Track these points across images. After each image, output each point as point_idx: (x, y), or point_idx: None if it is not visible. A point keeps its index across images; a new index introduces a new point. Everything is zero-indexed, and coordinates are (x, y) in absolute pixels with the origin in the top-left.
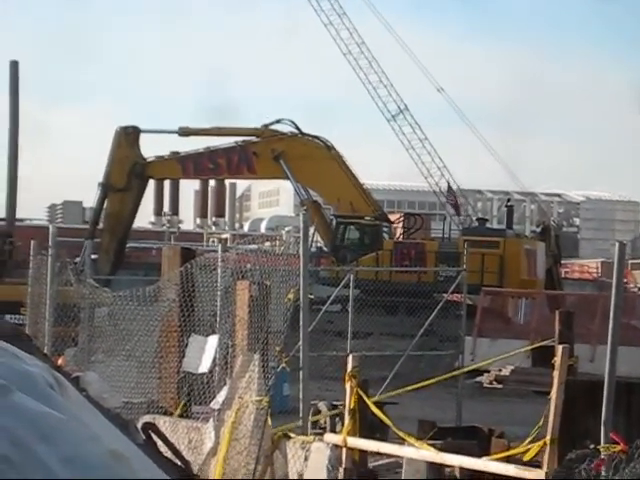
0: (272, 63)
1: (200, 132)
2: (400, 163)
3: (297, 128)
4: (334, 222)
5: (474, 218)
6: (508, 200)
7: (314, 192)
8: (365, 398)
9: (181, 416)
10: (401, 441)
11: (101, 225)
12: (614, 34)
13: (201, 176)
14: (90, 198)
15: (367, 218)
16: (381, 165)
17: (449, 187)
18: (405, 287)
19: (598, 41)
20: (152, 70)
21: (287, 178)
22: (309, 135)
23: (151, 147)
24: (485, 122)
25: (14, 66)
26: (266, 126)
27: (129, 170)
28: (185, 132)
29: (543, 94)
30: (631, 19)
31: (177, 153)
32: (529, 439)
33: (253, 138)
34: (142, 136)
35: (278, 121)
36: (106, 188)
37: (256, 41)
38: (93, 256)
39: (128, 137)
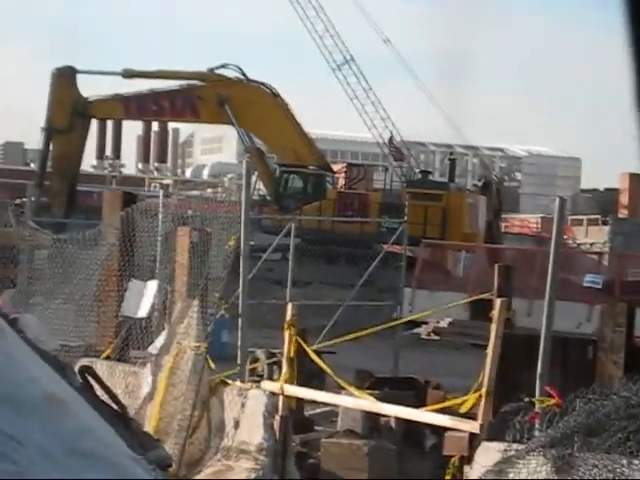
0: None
1: (144, 74)
2: (343, 113)
3: (243, 74)
4: (278, 171)
5: (417, 170)
6: (451, 153)
7: (258, 139)
8: (305, 346)
9: (118, 360)
10: (338, 390)
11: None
12: None
13: (144, 117)
14: (31, 140)
15: (311, 167)
16: (325, 115)
17: (391, 138)
18: (347, 237)
19: None
20: None
21: (231, 123)
22: (255, 81)
23: (94, 91)
24: (430, 74)
25: None
26: (211, 70)
27: (70, 110)
28: (129, 74)
29: (490, 45)
30: None
31: (117, 94)
32: (471, 393)
33: (197, 82)
34: (85, 80)
35: (224, 66)
36: (49, 131)
37: None
38: (33, 198)
39: (65, 78)
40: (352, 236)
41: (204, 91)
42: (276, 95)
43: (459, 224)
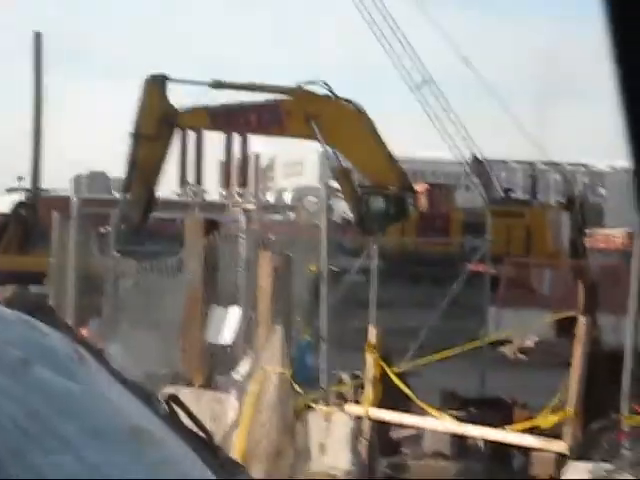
0: (289, 30)
1: (233, 86)
2: (424, 133)
3: (331, 90)
4: (359, 193)
5: (499, 188)
6: (533, 170)
7: (343, 158)
8: (387, 369)
9: (204, 387)
10: (424, 412)
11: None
12: None
13: (231, 130)
14: (115, 169)
15: (392, 188)
16: (405, 135)
17: (474, 158)
18: (430, 257)
19: None
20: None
21: (317, 140)
22: (342, 99)
23: (179, 101)
24: (510, 92)
25: (37, 37)
26: (300, 86)
27: (159, 118)
28: (217, 85)
29: (568, 60)
30: None
31: (207, 106)
32: (548, 409)
33: (285, 97)
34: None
35: (312, 82)
36: (137, 137)
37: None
38: (122, 227)
39: (157, 86)
40: (435, 256)
41: (292, 106)
42: (362, 113)
43: (543, 241)
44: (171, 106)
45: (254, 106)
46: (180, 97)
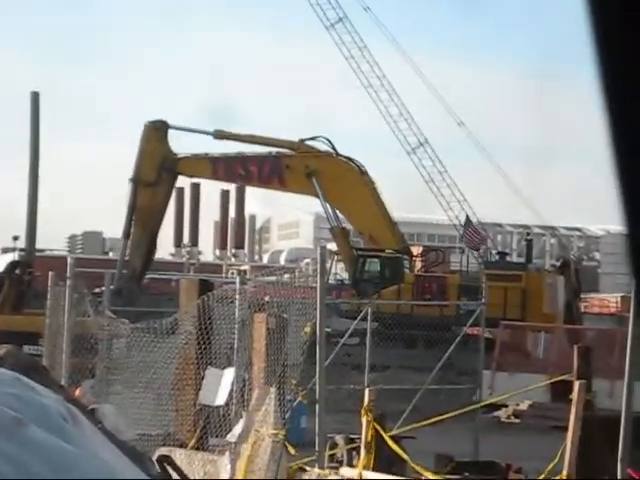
0: (289, 91)
1: (235, 137)
2: (419, 195)
3: (333, 147)
4: (355, 254)
5: (493, 252)
6: (528, 234)
7: (342, 215)
8: (382, 432)
9: (197, 449)
10: (418, 475)
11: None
12: None
13: (231, 180)
14: (110, 229)
15: (388, 251)
16: (400, 197)
17: (468, 221)
18: (426, 321)
19: None
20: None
21: (317, 196)
22: (344, 156)
23: (178, 146)
24: (504, 154)
25: (35, 97)
26: (302, 141)
27: (159, 164)
28: (220, 135)
29: (562, 126)
30: None
31: (207, 154)
32: (543, 475)
33: (287, 150)
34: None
35: (314, 138)
36: (136, 183)
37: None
38: (112, 287)
39: (157, 131)
40: (431, 319)
41: (293, 161)
42: (364, 173)
43: (539, 305)
44: (171, 152)
45: (256, 157)
46: (182, 145)
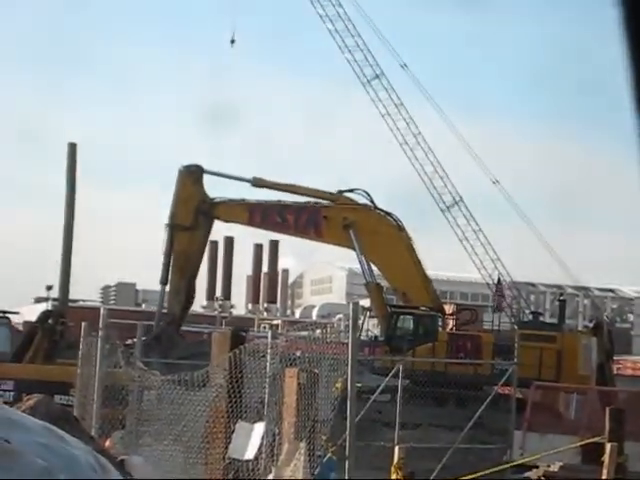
0: (320, 147)
1: (273, 186)
2: (453, 254)
3: (371, 200)
4: (389, 311)
5: (527, 311)
6: (561, 294)
7: (377, 271)
8: None
9: None
10: None
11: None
12: None
13: (267, 227)
14: (143, 281)
15: (422, 308)
16: (434, 255)
17: (499, 282)
18: (459, 379)
19: None
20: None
21: (353, 248)
22: (382, 210)
23: (215, 192)
24: (539, 214)
25: (72, 148)
26: (341, 192)
27: (195, 209)
28: (258, 184)
29: (596, 188)
30: None
31: (244, 200)
32: None
33: (325, 202)
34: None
35: (352, 190)
36: (172, 228)
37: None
38: (144, 338)
39: (192, 176)
40: (465, 378)
41: (331, 211)
42: (402, 229)
43: (573, 366)
44: (207, 196)
45: (293, 206)
46: (218, 190)
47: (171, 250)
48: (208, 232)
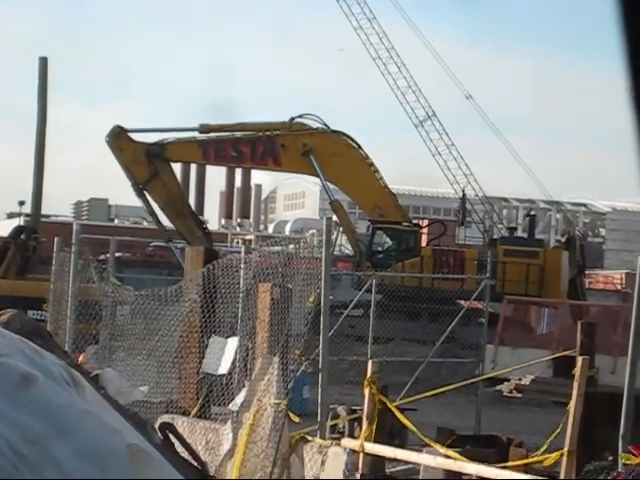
0: (289, 64)
1: (222, 128)
2: (426, 168)
3: (325, 124)
4: (370, 227)
5: (500, 226)
6: (531, 209)
7: (341, 192)
8: (388, 403)
9: (199, 417)
10: (419, 448)
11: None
12: None
13: (222, 163)
14: (116, 196)
15: (405, 224)
16: (407, 170)
17: (463, 197)
18: (431, 294)
19: None
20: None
21: (314, 174)
22: (338, 132)
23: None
24: (512, 129)
25: (43, 62)
26: (293, 119)
27: (145, 158)
28: (206, 129)
29: (569, 101)
30: None
31: (195, 137)
32: (544, 448)
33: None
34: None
35: (302, 115)
36: (141, 190)
37: (272, 40)
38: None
39: (119, 137)
40: (436, 293)
41: (288, 139)
42: (359, 147)
43: (556, 281)
44: (149, 143)
45: (248, 138)
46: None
47: (151, 207)
48: (171, 170)
